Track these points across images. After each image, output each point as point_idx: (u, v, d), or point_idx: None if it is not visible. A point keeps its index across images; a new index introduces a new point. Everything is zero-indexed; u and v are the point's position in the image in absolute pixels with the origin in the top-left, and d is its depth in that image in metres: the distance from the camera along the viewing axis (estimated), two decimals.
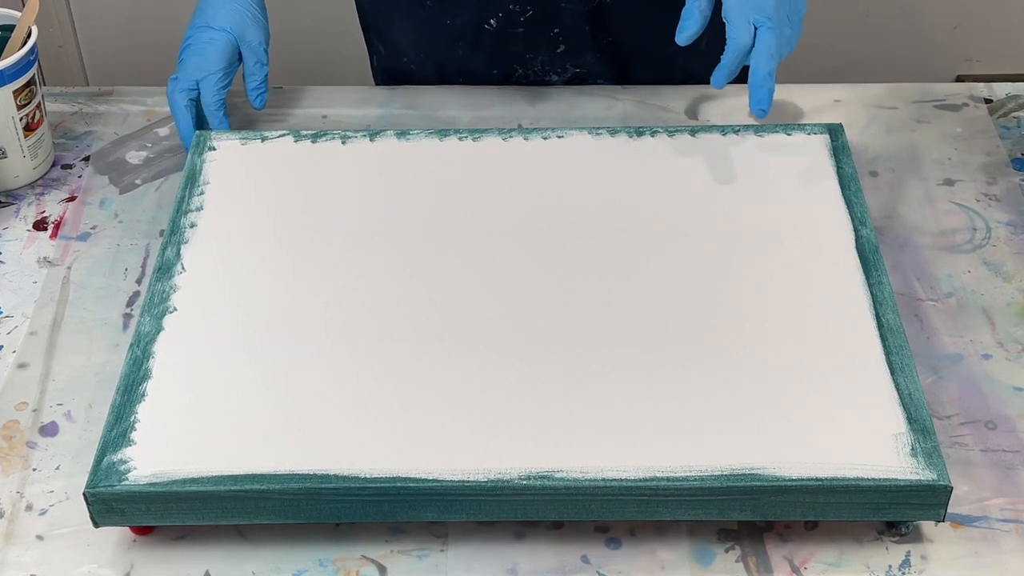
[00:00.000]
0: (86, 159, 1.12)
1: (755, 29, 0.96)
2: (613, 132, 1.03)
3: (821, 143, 1.02)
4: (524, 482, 0.78)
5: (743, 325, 0.88)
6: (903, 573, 0.81)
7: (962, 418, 0.89)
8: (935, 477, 0.78)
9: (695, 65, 1.11)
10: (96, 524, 0.81)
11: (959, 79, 2.20)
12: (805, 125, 1.04)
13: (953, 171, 1.09)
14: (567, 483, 0.78)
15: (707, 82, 0.99)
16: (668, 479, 0.78)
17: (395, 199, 0.98)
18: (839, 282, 0.91)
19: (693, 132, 1.03)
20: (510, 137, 1.03)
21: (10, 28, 1.08)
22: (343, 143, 1.03)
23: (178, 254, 0.94)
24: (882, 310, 0.88)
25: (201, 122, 1.09)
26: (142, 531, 0.83)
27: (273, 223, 0.97)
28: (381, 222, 0.96)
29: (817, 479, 0.78)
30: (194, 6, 1.12)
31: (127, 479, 0.79)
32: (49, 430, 0.89)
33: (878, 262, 0.92)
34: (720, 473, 0.78)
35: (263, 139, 1.04)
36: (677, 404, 0.82)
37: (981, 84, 1.18)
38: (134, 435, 0.81)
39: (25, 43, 1.05)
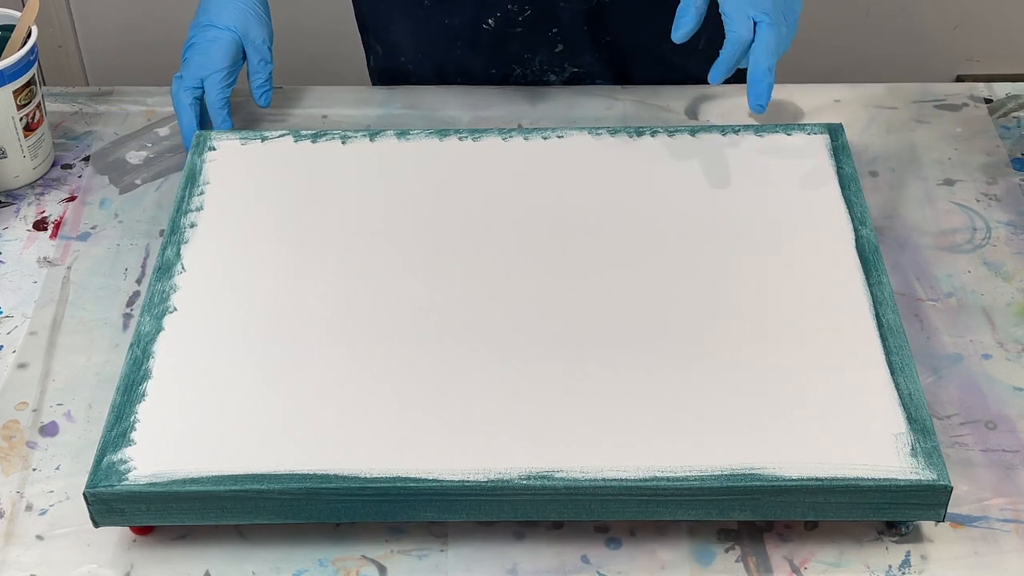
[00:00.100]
0: (86, 159, 1.12)
1: (754, 24, 0.96)
2: (613, 132, 1.03)
3: (821, 143, 1.02)
4: (524, 482, 0.78)
5: (743, 325, 0.88)
6: (903, 573, 0.81)
7: (962, 418, 0.89)
8: (935, 477, 0.78)
9: (694, 65, 1.11)
10: (96, 524, 0.81)
11: (959, 79, 2.20)
12: (805, 125, 1.04)
13: (953, 171, 1.09)
14: (567, 483, 0.78)
15: (706, 82, 0.99)
16: (668, 479, 0.78)
17: (395, 199, 0.98)
18: (839, 282, 0.91)
19: (693, 132, 1.03)
20: (510, 137, 1.03)
21: (10, 28, 1.08)
22: (343, 143, 1.03)
23: (178, 254, 0.94)
24: (882, 310, 0.88)
25: (204, 121, 1.10)
26: (142, 531, 0.83)
27: (273, 223, 0.97)
28: (381, 222, 0.96)
29: (817, 479, 0.78)
30: (195, 5, 1.12)
31: (127, 479, 0.79)
32: (49, 430, 0.89)
33: (878, 262, 0.92)
34: (720, 473, 0.78)
35: (263, 139, 1.04)
36: (677, 404, 0.82)
37: (981, 84, 1.18)
38: (134, 435, 0.81)
39: (25, 43, 1.05)
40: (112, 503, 0.79)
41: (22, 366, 0.94)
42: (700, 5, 0.97)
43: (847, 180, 0.99)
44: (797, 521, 0.83)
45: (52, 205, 1.07)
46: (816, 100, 1.16)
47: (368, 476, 0.79)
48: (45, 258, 1.03)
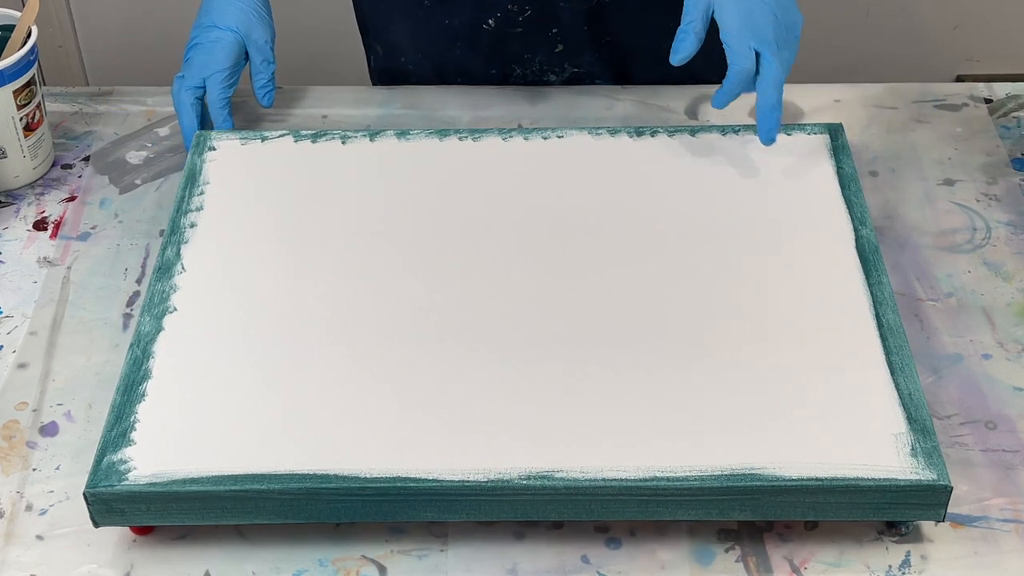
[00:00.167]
0: (86, 159, 1.12)
1: (757, 55, 0.96)
2: (613, 132, 1.03)
3: (821, 143, 1.02)
4: (524, 482, 0.78)
5: (743, 325, 0.88)
6: (903, 573, 0.81)
7: (962, 418, 0.89)
8: (935, 477, 0.78)
9: (693, 65, 1.10)
10: (96, 524, 0.80)
11: (959, 79, 2.20)
12: (805, 125, 1.04)
13: (953, 171, 1.09)
14: (567, 483, 0.78)
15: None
16: (668, 479, 0.78)
17: (395, 199, 0.98)
18: (839, 282, 0.91)
19: (693, 132, 1.03)
20: (510, 137, 1.03)
21: (10, 28, 1.08)
22: (343, 143, 1.03)
23: (178, 254, 0.94)
24: (882, 310, 0.88)
25: (204, 121, 1.10)
26: (142, 531, 0.83)
27: (273, 223, 0.97)
28: (381, 222, 0.96)
29: (817, 479, 0.78)
30: (195, 5, 1.12)
31: (127, 479, 0.79)
32: (49, 430, 0.89)
33: (878, 262, 0.92)
34: (720, 473, 0.78)
35: (263, 139, 1.04)
36: (677, 404, 0.82)
37: (981, 84, 1.18)
38: (134, 435, 0.81)
39: (25, 43, 1.05)
40: (112, 503, 0.79)
41: (22, 366, 0.94)
42: (700, 31, 0.98)
43: (847, 180, 0.99)
44: (797, 521, 0.83)
45: (52, 205, 1.07)
46: (816, 100, 1.16)
47: (368, 476, 0.79)
48: (45, 258, 1.03)
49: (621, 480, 0.78)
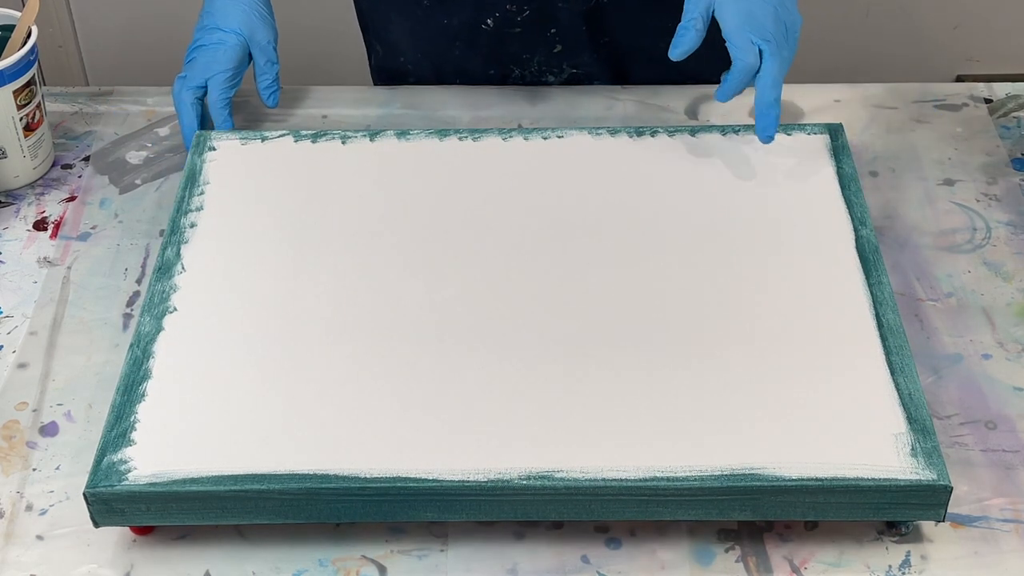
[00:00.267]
0: (86, 159, 1.12)
1: (759, 50, 0.96)
2: (613, 132, 1.03)
3: (821, 143, 1.02)
4: (524, 482, 0.78)
5: (743, 325, 0.88)
6: (903, 573, 0.81)
7: (962, 418, 0.89)
8: (935, 477, 0.78)
9: (692, 65, 1.10)
10: (96, 524, 0.81)
11: (959, 79, 2.20)
12: (805, 125, 1.04)
13: (953, 171, 1.09)
14: (567, 483, 0.78)
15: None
16: (668, 479, 0.78)
17: (395, 199, 0.98)
18: (839, 282, 0.91)
19: (693, 132, 1.03)
20: (510, 137, 1.03)
21: (10, 28, 1.08)
22: (343, 143, 1.03)
23: (178, 254, 0.94)
24: (882, 310, 0.88)
25: (204, 121, 1.10)
26: (142, 531, 0.83)
27: (273, 223, 0.97)
28: (381, 222, 0.96)
29: (817, 479, 0.78)
30: (195, 6, 1.12)
31: (127, 479, 0.79)
32: (49, 430, 0.89)
33: (878, 262, 0.92)
34: (720, 473, 0.78)
35: (263, 139, 1.04)
36: (677, 404, 0.82)
37: (981, 84, 1.18)
38: (134, 435, 0.81)
39: (25, 43, 1.05)
40: (112, 503, 0.79)
41: (22, 366, 0.94)
42: (700, 28, 0.98)
43: (847, 180, 0.99)
44: (797, 521, 0.83)
45: (52, 205, 1.07)
46: (816, 100, 1.16)
47: (368, 476, 0.79)
48: (45, 258, 1.03)
49: (621, 480, 0.78)
